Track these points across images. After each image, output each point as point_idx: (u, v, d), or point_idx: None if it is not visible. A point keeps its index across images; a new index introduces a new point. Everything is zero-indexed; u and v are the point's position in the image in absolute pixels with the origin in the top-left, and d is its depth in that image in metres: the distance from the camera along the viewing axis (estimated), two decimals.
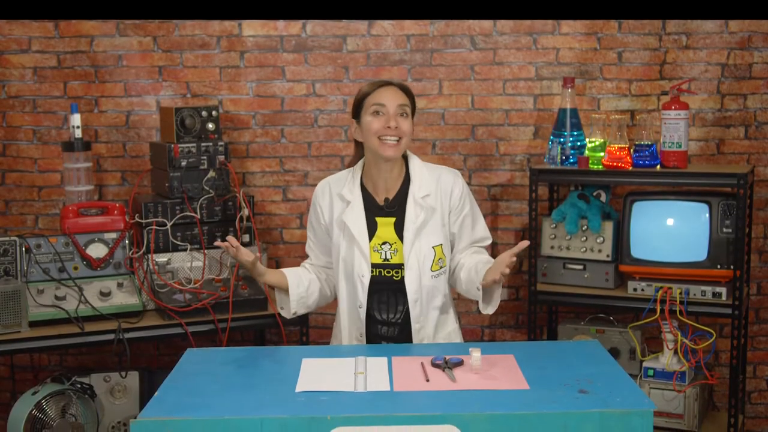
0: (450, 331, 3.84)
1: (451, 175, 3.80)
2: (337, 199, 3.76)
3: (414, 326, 3.71)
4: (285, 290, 3.75)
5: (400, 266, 3.68)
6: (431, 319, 3.74)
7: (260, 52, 5.17)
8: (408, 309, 3.70)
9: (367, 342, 3.73)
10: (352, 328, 3.75)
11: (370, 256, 3.68)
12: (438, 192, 3.74)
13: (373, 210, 3.73)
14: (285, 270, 3.80)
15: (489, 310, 3.65)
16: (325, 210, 3.79)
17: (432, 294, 3.72)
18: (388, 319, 3.72)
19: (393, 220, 3.71)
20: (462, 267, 3.76)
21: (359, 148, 3.82)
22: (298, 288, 3.75)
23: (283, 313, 3.80)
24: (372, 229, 3.71)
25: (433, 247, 3.70)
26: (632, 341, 4.79)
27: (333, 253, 3.78)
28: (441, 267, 3.72)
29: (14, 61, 5.11)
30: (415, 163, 3.79)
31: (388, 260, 3.69)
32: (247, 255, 3.59)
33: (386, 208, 3.73)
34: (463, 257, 3.80)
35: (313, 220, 3.86)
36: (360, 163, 3.81)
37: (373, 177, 3.75)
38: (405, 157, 3.80)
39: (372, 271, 3.69)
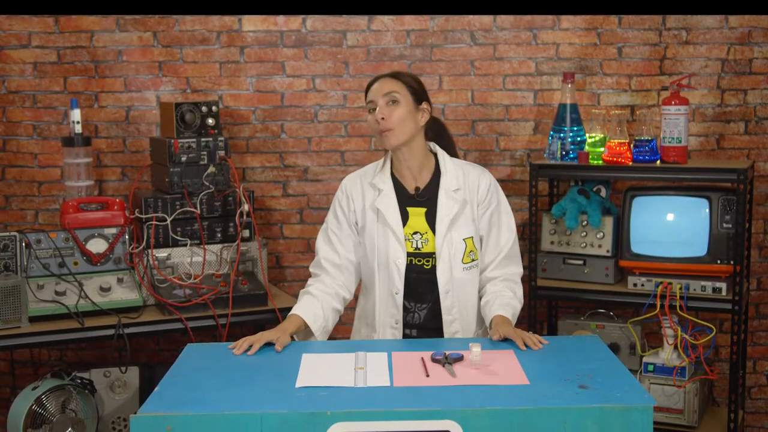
0: (484, 331, 3.81)
1: (478, 170, 3.78)
2: (369, 187, 3.74)
3: (445, 318, 3.67)
4: (302, 329, 3.64)
5: (431, 255, 3.67)
6: (465, 312, 3.73)
7: (260, 47, 5.17)
8: (436, 300, 3.69)
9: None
10: (386, 316, 3.70)
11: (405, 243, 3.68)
12: (466, 186, 3.73)
13: (404, 199, 3.71)
14: (296, 313, 3.63)
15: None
16: (356, 199, 3.74)
17: (464, 286, 3.70)
18: (415, 308, 3.71)
19: (424, 210, 3.70)
20: (485, 292, 3.73)
21: None
22: (316, 322, 3.62)
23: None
24: (404, 218, 3.70)
25: (464, 240, 3.69)
26: (632, 336, 4.80)
27: (367, 242, 3.73)
28: (472, 260, 3.71)
29: (14, 57, 5.11)
30: (445, 159, 3.78)
31: (419, 249, 3.68)
32: (270, 338, 3.45)
33: (417, 197, 3.71)
34: (490, 282, 3.76)
35: (341, 214, 3.76)
36: (388, 154, 3.80)
37: (399, 167, 3.75)
38: (434, 153, 3.80)
39: (405, 260, 3.68)
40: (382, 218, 3.69)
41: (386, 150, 3.81)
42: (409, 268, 3.68)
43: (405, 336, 3.72)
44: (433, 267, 3.67)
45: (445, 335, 3.69)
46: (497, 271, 3.77)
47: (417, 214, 3.70)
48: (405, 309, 3.71)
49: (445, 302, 3.67)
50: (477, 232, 3.74)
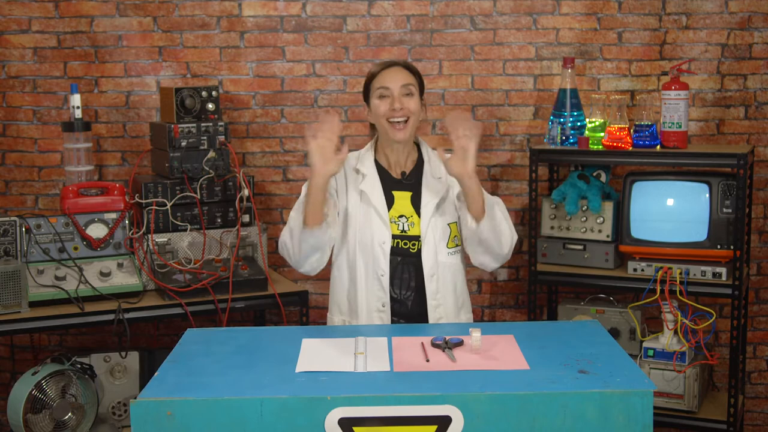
0: (468, 318, 3.83)
1: None
2: (352, 172, 3.75)
3: (430, 302, 3.68)
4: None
5: (417, 238, 3.67)
6: (449, 298, 3.73)
7: (260, 32, 5.16)
8: (422, 286, 3.69)
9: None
10: (372, 300, 3.69)
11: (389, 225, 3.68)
12: (447, 176, 3.74)
13: (389, 183, 3.73)
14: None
15: (484, 224, 3.54)
16: (339, 180, 3.74)
17: (449, 271, 3.71)
18: (401, 295, 3.71)
19: (410, 194, 3.72)
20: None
21: (373, 129, 3.82)
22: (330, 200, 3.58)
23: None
24: (389, 202, 3.71)
25: (448, 224, 3.70)
26: (632, 321, 4.80)
27: (350, 225, 3.72)
28: (456, 245, 3.72)
29: (14, 41, 5.10)
30: (428, 149, 3.81)
31: (405, 232, 3.68)
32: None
33: (404, 180, 3.73)
34: None
35: None
36: (372, 142, 3.81)
37: (387, 155, 3.76)
38: (416, 143, 3.81)
39: (390, 242, 3.68)
40: (366, 200, 3.69)
41: (371, 137, 3.84)
42: (395, 251, 3.68)
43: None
44: (419, 251, 3.67)
45: (430, 321, 3.69)
46: None
47: (402, 197, 3.72)
48: (392, 298, 3.71)
49: (430, 286, 3.68)
50: (458, 219, 3.76)
